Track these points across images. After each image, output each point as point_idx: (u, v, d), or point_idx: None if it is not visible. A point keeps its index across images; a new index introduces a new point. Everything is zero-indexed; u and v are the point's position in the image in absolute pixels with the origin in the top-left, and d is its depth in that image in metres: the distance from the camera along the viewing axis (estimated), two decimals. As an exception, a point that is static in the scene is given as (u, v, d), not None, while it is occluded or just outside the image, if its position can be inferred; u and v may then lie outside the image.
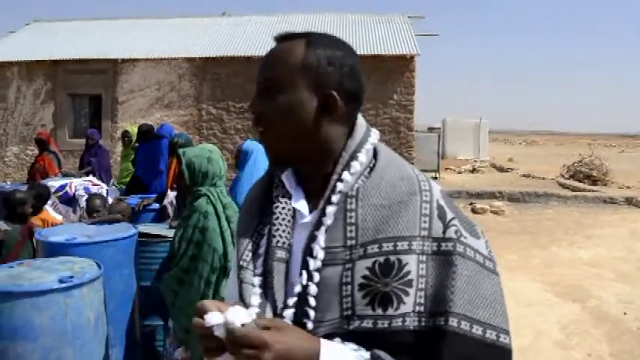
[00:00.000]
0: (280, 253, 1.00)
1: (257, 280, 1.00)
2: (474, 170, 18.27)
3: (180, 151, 2.90)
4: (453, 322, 0.90)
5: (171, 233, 3.83)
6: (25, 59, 13.72)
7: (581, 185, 13.27)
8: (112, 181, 7.20)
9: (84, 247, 3.14)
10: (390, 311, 0.90)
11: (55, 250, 3.09)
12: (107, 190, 5.96)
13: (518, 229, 8.97)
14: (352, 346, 0.89)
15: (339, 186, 0.98)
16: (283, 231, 1.01)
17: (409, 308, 0.90)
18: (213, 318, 0.83)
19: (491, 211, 10.44)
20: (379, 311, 0.90)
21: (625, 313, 5.24)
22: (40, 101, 13.83)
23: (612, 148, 36.23)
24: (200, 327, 0.84)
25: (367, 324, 0.90)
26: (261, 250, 1.03)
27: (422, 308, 0.91)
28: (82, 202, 5.49)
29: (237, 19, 16.00)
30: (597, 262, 7.13)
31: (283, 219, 1.02)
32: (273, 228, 1.02)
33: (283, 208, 1.03)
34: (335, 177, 1.00)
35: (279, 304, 0.96)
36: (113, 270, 3.11)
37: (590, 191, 12.23)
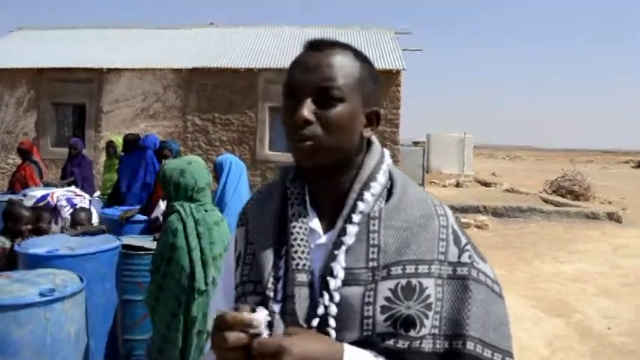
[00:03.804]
0: (301, 277, 0.96)
1: (277, 308, 0.96)
2: (458, 184, 18.38)
3: (163, 163, 2.85)
4: (470, 345, 0.93)
5: (155, 245, 3.78)
6: (9, 66, 13.55)
7: (563, 200, 13.40)
8: (96, 192, 7.09)
9: (66, 259, 3.08)
10: (412, 333, 0.91)
11: (36, 262, 3.02)
12: (90, 200, 5.87)
13: (502, 243, 9.02)
14: (373, 353, 0.91)
15: (361, 206, 0.98)
16: (302, 252, 0.97)
17: (427, 331, 0.92)
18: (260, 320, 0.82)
19: (476, 226, 10.51)
20: (401, 332, 0.91)
21: (609, 328, 5.27)
22: (22, 109, 13.65)
23: (594, 164, 36.73)
24: (237, 341, 0.82)
25: (388, 341, 0.91)
26: (280, 273, 0.99)
27: (437, 331, 0.93)
28: (64, 213, 5.40)
29: (224, 30, 16.00)
30: (581, 277, 7.18)
31: (302, 239, 0.99)
32: (292, 250, 0.98)
33: (300, 228, 1.00)
34: (354, 196, 1.00)
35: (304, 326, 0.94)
36: (95, 283, 3.05)
37: (572, 206, 12.36)
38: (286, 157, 13.10)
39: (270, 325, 0.82)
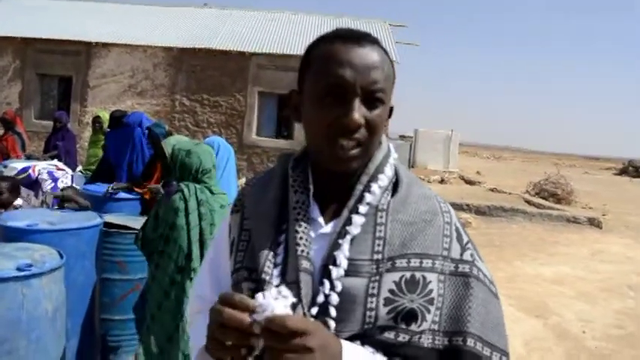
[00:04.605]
0: (306, 264, 0.92)
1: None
2: (442, 181, 18.46)
3: (165, 142, 2.85)
4: (470, 342, 0.93)
5: (137, 224, 3.71)
6: (-6, 34, 13.26)
7: (546, 203, 13.51)
8: (78, 167, 6.96)
9: (45, 234, 2.99)
10: (414, 327, 0.91)
11: (14, 235, 2.93)
12: (72, 175, 5.77)
13: (484, 241, 9.06)
14: (370, 349, 0.90)
15: (368, 197, 0.97)
16: (307, 240, 0.95)
17: (427, 326, 0.92)
18: (267, 302, 0.76)
19: (459, 223, 10.55)
20: (402, 325, 0.90)
21: (584, 332, 5.33)
22: (7, 79, 13.39)
23: (576, 169, 37.17)
24: (234, 320, 0.76)
25: (389, 335, 0.90)
26: (279, 260, 0.96)
27: (436, 327, 0.93)
28: (45, 186, 5.29)
29: (219, 11, 15.81)
30: (559, 279, 7.25)
31: (306, 227, 0.96)
32: (297, 236, 0.95)
33: (303, 216, 0.97)
34: (360, 187, 0.98)
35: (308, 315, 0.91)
36: (75, 260, 2.97)
37: (554, 209, 12.47)
38: (273, 143, 13.04)
39: (294, 307, 0.78)
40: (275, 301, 0.76)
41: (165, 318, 2.67)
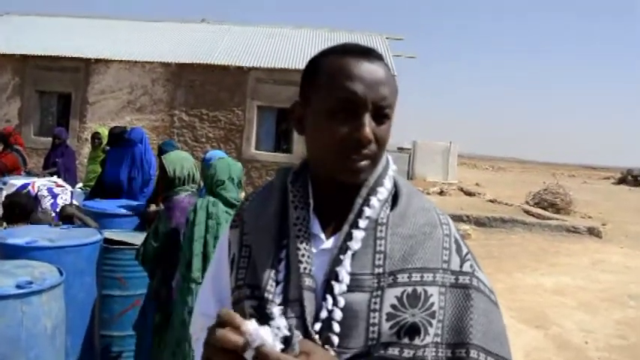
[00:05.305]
0: (308, 281, 0.93)
1: (277, 311, 0.92)
2: (441, 192, 18.46)
3: (165, 157, 2.97)
4: (473, 353, 0.94)
5: (136, 240, 3.71)
6: (-7, 52, 13.33)
7: (545, 213, 13.50)
8: (78, 184, 6.96)
9: (45, 251, 3.00)
10: (417, 341, 0.91)
11: (13, 253, 2.93)
12: (71, 192, 5.77)
13: (483, 253, 9.05)
14: None
15: (367, 211, 0.97)
16: (309, 257, 0.95)
17: (430, 339, 0.92)
18: (257, 332, 0.72)
19: (458, 235, 10.53)
20: (405, 340, 0.90)
21: (586, 342, 5.31)
22: (6, 96, 13.43)
23: (575, 179, 37.18)
24: (227, 341, 0.72)
25: (394, 351, 0.90)
26: (281, 277, 0.95)
27: (439, 339, 0.93)
28: (45, 203, 5.29)
29: (216, 27, 15.91)
30: (560, 290, 7.24)
31: (307, 244, 0.96)
32: (298, 253, 0.95)
33: (304, 232, 0.97)
34: (360, 201, 0.98)
35: (312, 332, 0.90)
36: (74, 277, 2.97)
37: (554, 219, 12.47)
38: (272, 157, 13.06)
39: (286, 340, 0.74)
40: (264, 332, 0.73)
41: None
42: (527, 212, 13.63)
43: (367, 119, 0.92)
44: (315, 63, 0.99)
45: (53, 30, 14.78)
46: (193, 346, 1.22)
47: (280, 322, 0.78)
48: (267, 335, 0.73)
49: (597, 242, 10.96)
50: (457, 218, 11.80)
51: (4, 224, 3.77)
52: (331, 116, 0.93)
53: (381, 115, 0.94)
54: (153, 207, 4.37)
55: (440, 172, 22.82)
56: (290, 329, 0.75)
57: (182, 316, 2.66)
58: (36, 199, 5.25)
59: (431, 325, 0.92)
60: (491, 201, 16.11)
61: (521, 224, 11.62)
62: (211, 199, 2.73)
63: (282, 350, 0.73)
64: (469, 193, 19.00)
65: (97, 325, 3.29)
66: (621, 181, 32.90)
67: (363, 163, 0.94)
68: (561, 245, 10.40)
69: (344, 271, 0.92)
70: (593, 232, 11.45)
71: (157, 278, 2.93)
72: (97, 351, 3.32)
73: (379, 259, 0.93)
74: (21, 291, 2.38)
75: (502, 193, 19.05)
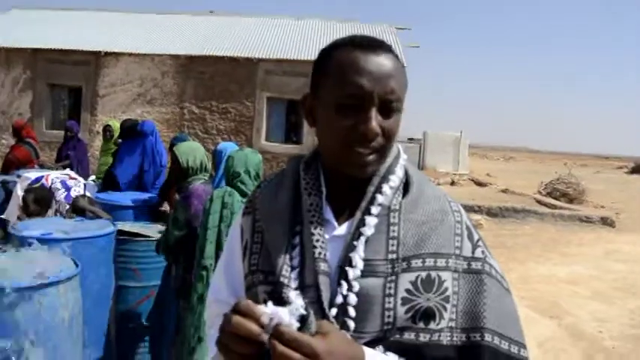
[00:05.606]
0: (324, 266, 0.94)
1: (294, 293, 0.91)
2: (453, 183, 18.39)
3: (176, 147, 2.99)
4: (488, 337, 0.95)
5: (150, 231, 3.74)
6: (5, 46, 13.40)
7: (558, 203, 13.42)
8: (91, 176, 7.01)
9: (60, 243, 3.01)
10: (432, 325, 0.92)
11: (29, 245, 2.95)
12: (84, 184, 5.80)
13: (496, 243, 9.01)
14: (394, 357, 0.90)
15: (380, 198, 0.98)
16: (323, 242, 0.96)
17: (445, 324, 0.93)
18: (275, 311, 0.74)
19: (470, 225, 10.49)
20: (421, 324, 0.92)
21: (600, 332, 5.28)
22: (18, 89, 13.52)
23: (587, 168, 36.88)
24: (243, 328, 0.74)
25: (410, 336, 0.91)
26: (296, 262, 0.97)
27: (453, 324, 0.94)
28: (58, 196, 5.33)
29: (225, 18, 15.89)
30: (573, 279, 7.20)
31: (321, 230, 0.97)
32: (313, 239, 0.96)
33: (318, 218, 0.99)
34: (372, 188, 0.99)
35: (329, 316, 0.91)
36: (90, 268, 2.98)
37: (566, 209, 12.38)
38: (282, 148, 13.07)
39: (302, 320, 0.75)
40: (282, 311, 0.75)
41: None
42: (539, 202, 13.55)
43: (374, 113, 0.92)
44: (324, 55, 0.99)
45: (63, 24, 14.84)
46: (207, 331, 1.23)
47: (298, 301, 0.77)
48: (284, 315, 0.74)
49: (611, 232, 10.88)
50: (469, 209, 11.75)
51: (24, 216, 3.81)
52: (339, 109, 0.94)
53: (389, 108, 0.94)
54: (165, 206, 4.41)
55: (450, 162, 22.70)
56: (306, 308, 0.76)
57: (191, 303, 2.70)
58: (50, 192, 5.29)
59: (445, 309, 0.93)
60: (503, 191, 16.03)
61: (534, 214, 11.57)
62: (228, 189, 2.77)
63: (299, 329, 0.74)
64: (480, 184, 18.91)
65: (113, 316, 3.32)
66: (634, 170, 32.59)
67: (370, 157, 0.95)
68: (574, 235, 10.33)
69: (357, 257, 0.93)
70: (606, 221, 11.37)
71: (181, 266, 2.96)
72: (113, 342, 3.35)
73: (392, 245, 0.94)
74: (38, 282, 2.40)
75: (514, 183, 18.95)
